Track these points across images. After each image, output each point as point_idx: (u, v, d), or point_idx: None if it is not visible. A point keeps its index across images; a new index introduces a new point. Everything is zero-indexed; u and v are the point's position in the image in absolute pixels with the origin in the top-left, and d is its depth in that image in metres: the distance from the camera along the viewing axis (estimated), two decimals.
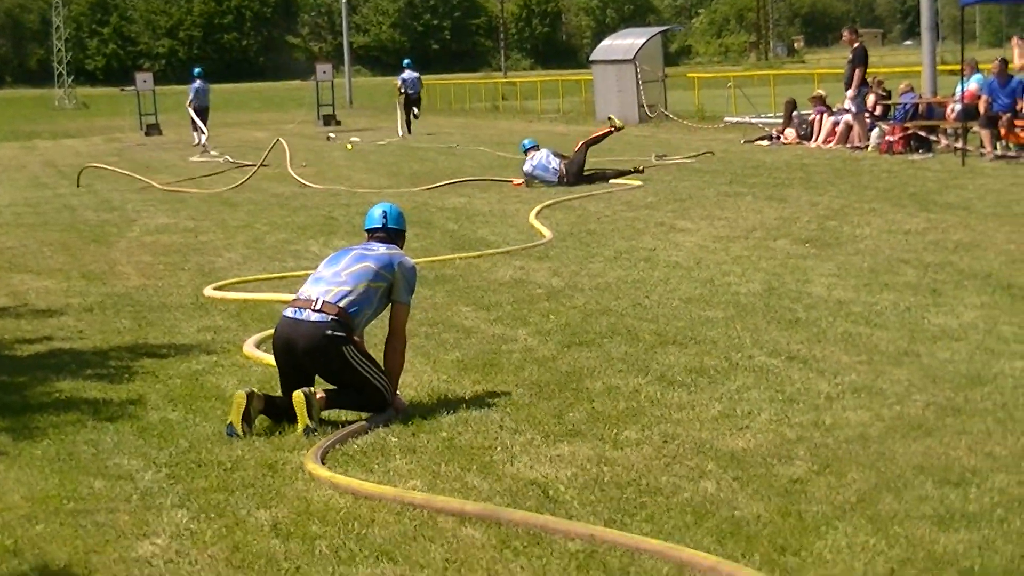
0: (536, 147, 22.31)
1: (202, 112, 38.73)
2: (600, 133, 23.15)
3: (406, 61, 44.50)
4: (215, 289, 12.56)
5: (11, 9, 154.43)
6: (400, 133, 38.96)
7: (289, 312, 7.88)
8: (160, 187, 24.05)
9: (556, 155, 22.02)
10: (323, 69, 50.64)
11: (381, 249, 8.08)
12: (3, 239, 17.54)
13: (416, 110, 41.24)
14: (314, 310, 7.72)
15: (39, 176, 28.66)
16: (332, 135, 39.87)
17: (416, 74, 41.86)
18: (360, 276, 7.87)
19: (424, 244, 15.20)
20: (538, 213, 17.59)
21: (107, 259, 15.30)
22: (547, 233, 15.61)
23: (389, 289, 7.95)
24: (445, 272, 13.20)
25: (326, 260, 8.19)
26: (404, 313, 8.02)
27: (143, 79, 48.92)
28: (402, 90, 41.18)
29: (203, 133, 36.99)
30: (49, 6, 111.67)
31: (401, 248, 8.33)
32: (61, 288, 13.23)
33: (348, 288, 7.81)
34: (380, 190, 21.80)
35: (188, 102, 39.35)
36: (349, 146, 34.26)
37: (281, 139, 26.09)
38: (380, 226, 8.30)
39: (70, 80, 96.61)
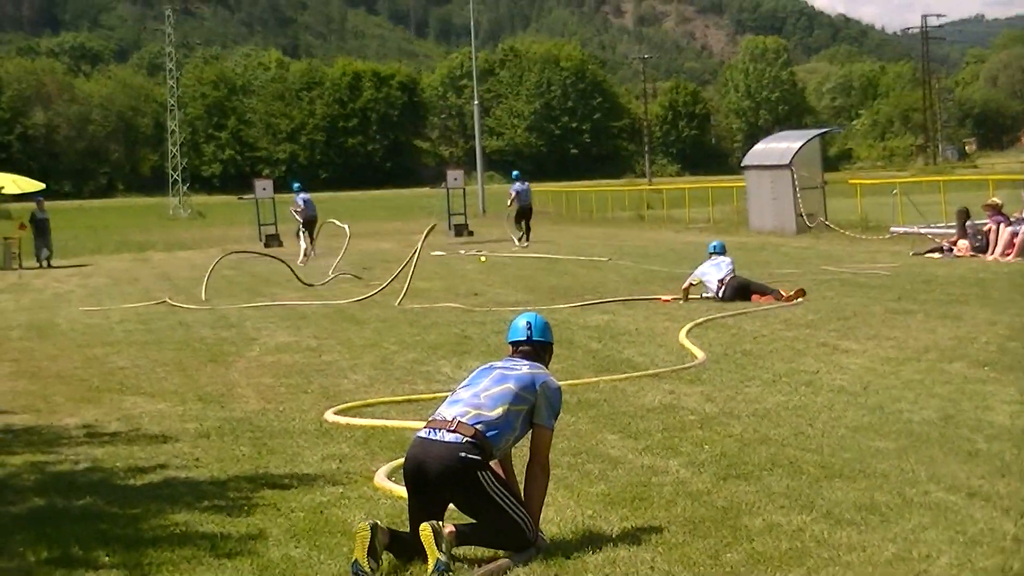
0: (722, 252, 22.72)
1: (310, 224, 39.87)
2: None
3: (515, 173, 45.59)
4: (336, 413, 12.74)
5: (124, 112, 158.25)
6: (518, 243, 39.69)
7: (422, 432, 7.93)
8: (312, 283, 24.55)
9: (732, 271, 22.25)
10: (454, 175, 51.37)
11: (524, 368, 8.12)
12: (115, 358, 17.96)
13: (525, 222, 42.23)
14: (449, 430, 7.76)
15: (152, 290, 29.34)
16: (463, 251, 40.35)
17: (527, 184, 43.00)
18: (500, 398, 7.91)
19: (566, 365, 15.19)
20: (688, 332, 17.63)
21: (225, 380, 15.58)
22: (699, 354, 15.62)
23: (531, 411, 7.97)
24: (588, 396, 13.21)
25: (465, 380, 8.27)
26: (547, 439, 8.04)
27: (262, 186, 50.03)
28: (509, 203, 42.27)
29: (311, 248, 38.16)
30: (164, 109, 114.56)
31: (548, 362, 8.40)
32: (176, 412, 13.49)
33: (487, 411, 7.85)
34: (514, 307, 21.94)
35: (297, 211, 40.39)
36: (483, 259, 34.63)
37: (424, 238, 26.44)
38: (524, 338, 8.36)
39: (185, 188, 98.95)
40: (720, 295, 21.82)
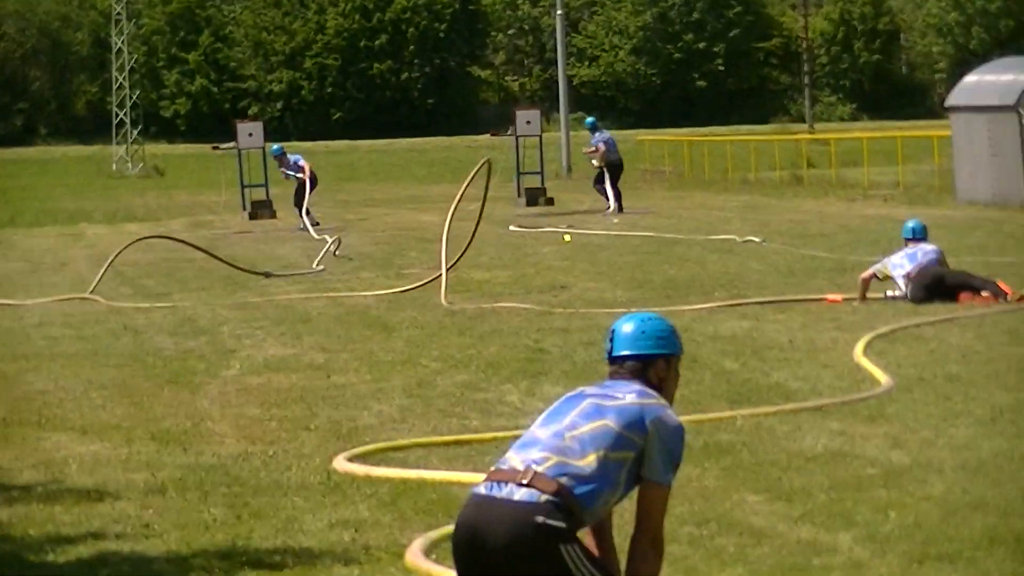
0: (923, 236, 22.72)
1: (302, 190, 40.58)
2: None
3: (590, 120, 45.71)
4: (351, 459, 12.74)
5: (48, 25, 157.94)
6: (611, 207, 39.81)
7: (481, 489, 7.73)
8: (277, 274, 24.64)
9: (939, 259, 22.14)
10: (527, 117, 50.97)
11: (629, 396, 7.89)
12: (31, 378, 18.09)
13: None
14: (520, 484, 7.58)
15: (86, 279, 29.44)
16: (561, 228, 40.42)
17: (608, 134, 43.31)
18: (594, 441, 7.70)
19: (687, 393, 14.92)
20: (868, 346, 17.55)
21: (190, 411, 15.65)
22: (883, 378, 15.53)
23: (639, 460, 7.77)
24: (720, 438, 13.21)
25: (543, 414, 8.06)
26: (660, 499, 7.85)
27: (248, 131, 49.90)
28: (596, 161, 42.40)
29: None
30: (107, 21, 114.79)
31: (668, 389, 8.17)
32: (118, 456, 13.53)
33: (575, 458, 7.66)
34: (612, 308, 21.90)
35: (300, 175, 41.00)
36: (567, 238, 34.58)
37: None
38: (631, 352, 8.12)
39: (136, 133, 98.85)
40: (909, 294, 21.67)
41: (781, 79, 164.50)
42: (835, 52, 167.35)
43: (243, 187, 47.47)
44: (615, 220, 40.43)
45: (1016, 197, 39.08)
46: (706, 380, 16.20)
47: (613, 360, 8.15)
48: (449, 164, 74.77)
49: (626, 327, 8.18)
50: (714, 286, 24.48)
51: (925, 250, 22.26)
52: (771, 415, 14.12)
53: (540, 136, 50.34)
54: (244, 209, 46.64)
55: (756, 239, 32.40)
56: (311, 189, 40.77)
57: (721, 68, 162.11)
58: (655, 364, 8.09)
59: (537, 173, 49.27)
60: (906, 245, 22.59)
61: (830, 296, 22.40)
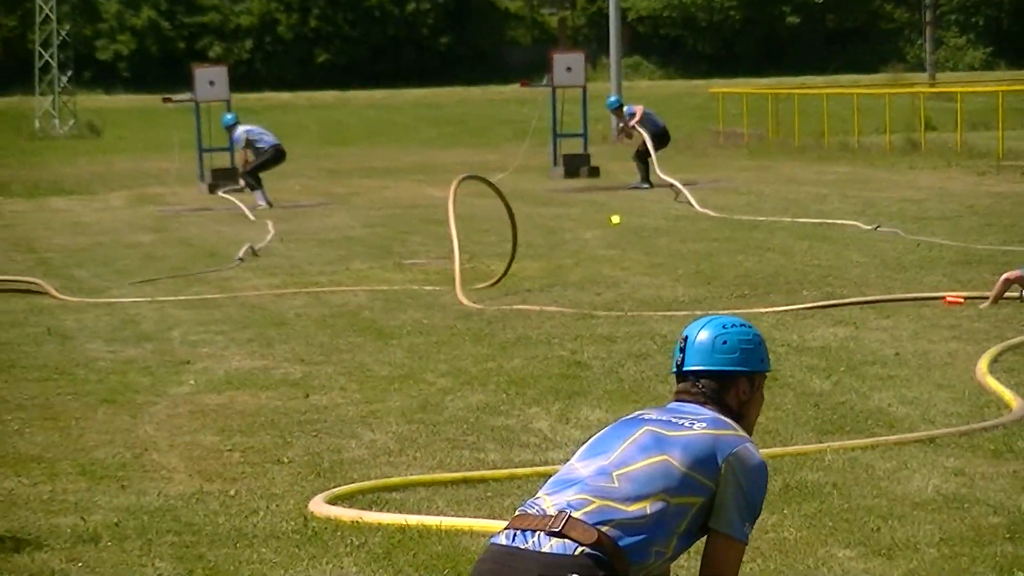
0: None
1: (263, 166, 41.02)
2: None
3: (613, 99, 46.09)
4: (333, 500, 12.83)
5: None
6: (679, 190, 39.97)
7: (501, 539, 7.69)
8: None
9: None
10: (567, 62, 50.89)
11: (699, 425, 7.82)
12: None
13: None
14: (552, 533, 7.49)
15: (1, 267, 29.50)
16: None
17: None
18: (652, 481, 7.64)
19: (764, 420, 14.72)
20: (995, 361, 17.54)
21: (130, 438, 15.73)
22: (1015, 402, 15.47)
23: (708, 507, 7.73)
24: (806, 477, 13.24)
25: (588, 443, 8.01)
26: (732, 558, 7.80)
27: (208, 79, 49.99)
28: (623, 126, 42.64)
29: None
30: None
31: (749, 415, 8.16)
32: (39, 494, 13.60)
33: (623, 502, 7.59)
34: (673, 311, 21.99)
35: (242, 152, 41.32)
36: (615, 219, 34.58)
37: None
38: (707, 368, 8.07)
39: (65, 80, 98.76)
40: None
41: (896, 15, 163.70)
42: None
43: (201, 151, 47.55)
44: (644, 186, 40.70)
45: None
46: (788, 404, 16.16)
47: (683, 376, 8.07)
48: (467, 123, 73.82)
49: (702, 334, 8.09)
50: (802, 283, 24.48)
51: None
52: (870, 449, 14.06)
53: (584, 88, 50.18)
54: (202, 179, 46.78)
55: (849, 222, 32.46)
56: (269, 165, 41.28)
57: (819, 0, 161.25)
58: (736, 383, 8.01)
59: (579, 135, 49.21)
60: None
61: (950, 296, 22.22)
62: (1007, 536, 11.41)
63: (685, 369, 7.97)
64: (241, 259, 29.10)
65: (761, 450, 12.74)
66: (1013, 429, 14.58)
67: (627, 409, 11.94)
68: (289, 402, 17.18)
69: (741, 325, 8.08)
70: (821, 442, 14.39)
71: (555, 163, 48.41)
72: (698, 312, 21.24)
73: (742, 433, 7.81)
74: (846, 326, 20.63)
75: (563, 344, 19.89)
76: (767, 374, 8.13)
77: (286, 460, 14.57)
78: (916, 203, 36.44)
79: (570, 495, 7.56)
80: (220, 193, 41.72)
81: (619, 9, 72.28)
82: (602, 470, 7.63)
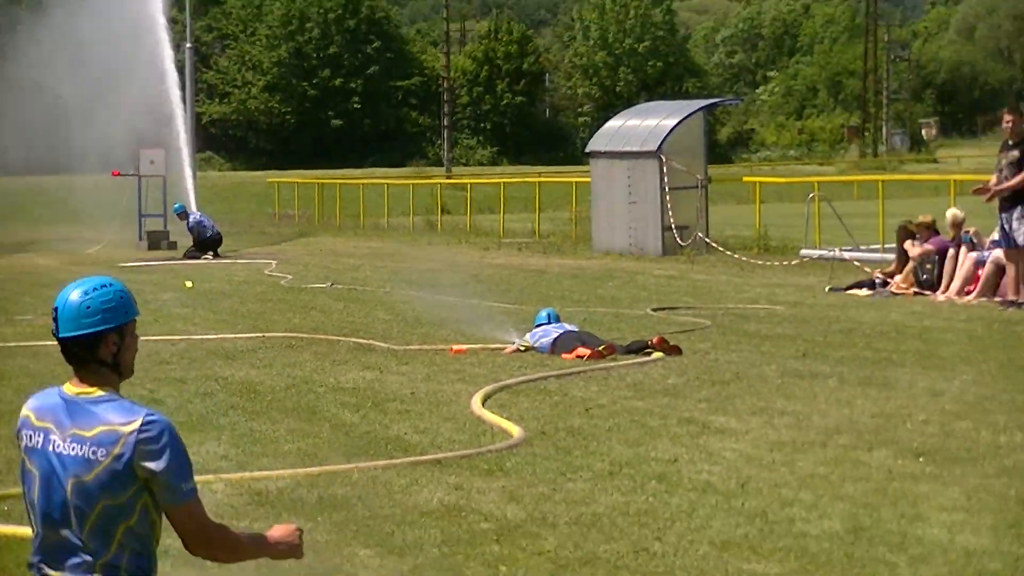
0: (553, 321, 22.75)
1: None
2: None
3: (178, 206, 48.79)
4: None
5: None
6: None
7: None
8: None
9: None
10: (151, 156, 51.04)
11: (100, 452, 6.94)
12: None
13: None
14: None
15: None
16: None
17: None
18: (109, 520, 6.90)
19: (304, 445, 15.21)
20: (489, 398, 17.63)
21: None
22: (515, 431, 15.58)
23: (146, 490, 6.92)
24: (335, 492, 13.11)
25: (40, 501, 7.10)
26: (194, 515, 6.97)
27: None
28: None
29: None
30: None
31: (127, 363, 7.34)
32: None
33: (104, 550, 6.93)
34: (231, 360, 21.74)
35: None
36: (188, 284, 34.51)
37: None
38: (73, 334, 7.21)
39: None
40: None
41: (420, 120, 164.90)
42: (477, 93, 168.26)
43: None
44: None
45: (653, 247, 39.62)
46: (324, 433, 16.03)
47: (61, 342, 7.26)
48: (68, 204, 73.16)
49: (70, 301, 7.27)
50: (338, 332, 24.58)
51: (563, 329, 22.19)
52: (389, 468, 14.03)
53: (164, 177, 50.61)
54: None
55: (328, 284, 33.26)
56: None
57: (358, 107, 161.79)
58: (105, 339, 7.23)
59: (160, 215, 49.56)
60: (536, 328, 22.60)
61: (455, 347, 22.33)
62: (495, 539, 11.46)
63: (60, 336, 7.19)
64: None
65: (301, 470, 12.71)
66: (505, 453, 14.64)
67: (196, 438, 11.71)
68: None
69: (103, 287, 7.33)
70: (349, 463, 14.24)
71: (140, 238, 49.02)
72: (259, 356, 21.23)
73: (131, 419, 6.88)
74: (372, 370, 20.58)
75: (143, 385, 19.16)
76: (135, 320, 7.36)
77: None
78: (432, 272, 36.68)
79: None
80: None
81: (196, 116, 72.17)
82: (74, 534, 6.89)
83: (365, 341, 23.24)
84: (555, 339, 21.82)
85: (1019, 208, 25.89)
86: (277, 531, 7.24)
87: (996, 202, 26.40)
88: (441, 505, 12.56)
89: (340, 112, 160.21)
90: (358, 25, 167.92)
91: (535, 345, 22.01)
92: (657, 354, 21.37)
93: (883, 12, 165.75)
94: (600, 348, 21.27)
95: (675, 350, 21.69)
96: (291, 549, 7.23)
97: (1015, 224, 25.93)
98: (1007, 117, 27.00)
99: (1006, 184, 25.83)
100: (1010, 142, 26.32)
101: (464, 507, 12.47)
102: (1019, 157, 25.86)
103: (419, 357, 21.79)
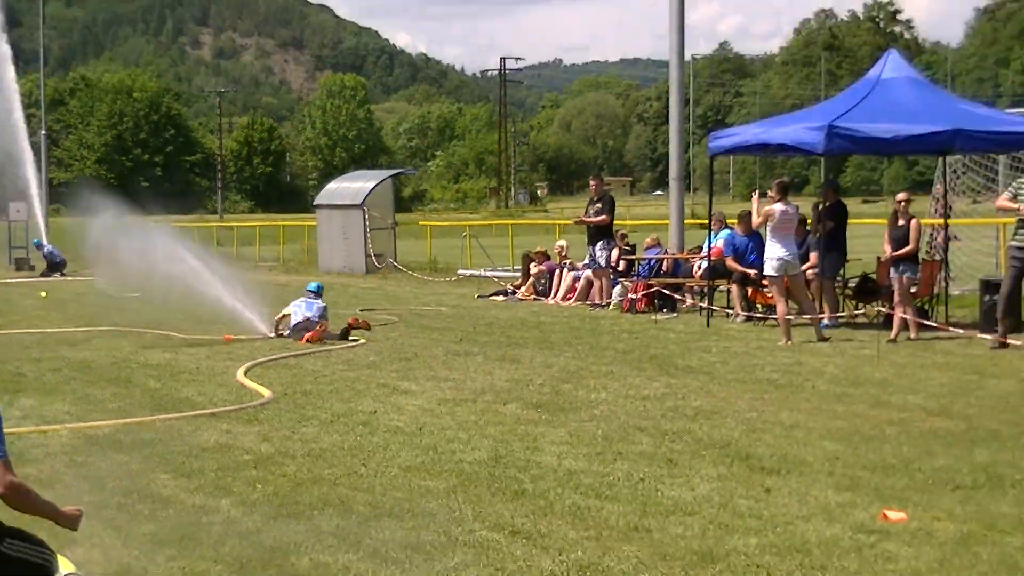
0: (318, 294, 22.78)
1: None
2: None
3: (36, 241, 48.40)
4: None
5: None
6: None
7: None
8: None
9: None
10: (16, 207, 50.38)
11: None
12: None
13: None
14: None
15: None
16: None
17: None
18: None
19: (122, 404, 14.90)
20: (248, 371, 17.48)
21: None
22: (266, 392, 15.50)
23: None
24: (143, 436, 12.88)
25: None
26: (5, 469, 6.34)
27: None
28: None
29: None
30: None
31: None
32: None
33: None
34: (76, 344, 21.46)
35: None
36: (43, 294, 33.78)
37: None
38: None
39: None
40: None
41: (202, 183, 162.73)
42: (240, 164, 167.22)
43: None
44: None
45: (359, 268, 39.79)
46: (136, 395, 15.68)
47: None
48: None
49: None
50: (146, 324, 23.80)
51: (315, 304, 22.21)
52: (180, 419, 13.85)
53: (27, 221, 50.00)
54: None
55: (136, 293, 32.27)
56: None
57: (160, 174, 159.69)
58: None
59: (23, 247, 48.80)
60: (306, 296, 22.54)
61: (227, 335, 21.92)
62: (253, 466, 11.38)
63: None
64: None
65: (120, 421, 12.67)
66: (259, 409, 14.52)
67: (49, 400, 11.70)
68: None
69: None
70: (154, 416, 14.04)
71: (10, 263, 47.89)
72: (92, 343, 20.90)
73: None
74: (170, 352, 20.09)
75: (11, 363, 18.81)
76: None
77: None
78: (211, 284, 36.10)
79: None
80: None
81: (48, 180, 70.10)
82: None
83: (165, 332, 22.49)
84: (294, 325, 21.73)
85: (601, 241, 26.70)
86: (68, 509, 6.74)
87: (586, 236, 27.22)
88: (216, 444, 12.38)
89: (148, 177, 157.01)
90: (159, 119, 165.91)
91: (287, 330, 21.89)
92: (359, 336, 21.55)
93: (511, 112, 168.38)
94: (316, 331, 21.36)
95: (365, 324, 22.15)
96: (71, 521, 6.75)
97: (598, 252, 26.78)
98: (592, 182, 27.97)
99: (591, 219, 26.70)
100: (594, 198, 27.20)
101: (232, 445, 12.32)
102: (600, 208, 26.71)
103: (202, 343, 21.26)
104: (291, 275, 39.97)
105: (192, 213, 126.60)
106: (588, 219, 27.11)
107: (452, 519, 9.46)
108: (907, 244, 20.42)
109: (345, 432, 13.05)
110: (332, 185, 44.74)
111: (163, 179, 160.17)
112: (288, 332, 21.90)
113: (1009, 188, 19.70)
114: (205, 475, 11.10)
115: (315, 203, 44.34)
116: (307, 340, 21.17)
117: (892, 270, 20.67)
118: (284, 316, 22.27)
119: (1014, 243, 19.02)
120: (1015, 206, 18.78)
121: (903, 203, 20.94)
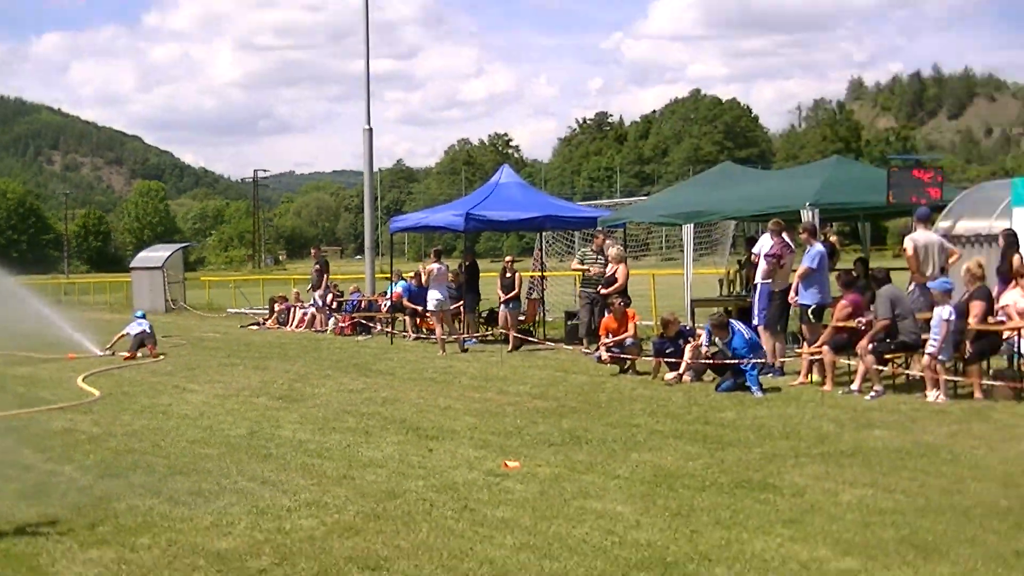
0: (143, 317, 21.25)
1: None
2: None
3: None
4: None
5: None
6: None
7: None
8: None
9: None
10: None
11: None
12: None
13: None
14: None
15: None
16: None
17: None
18: None
19: None
20: (85, 379, 16.40)
21: None
22: (96, 392, 14.61)
23: None
24: (13, 424, 12.11)
25: None
26: None
27: None
28: None
29: None
30: None
31: None
32: None
33: None
34: None
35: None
36: None
37: None
38: None
39: None
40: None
41: (55, 254, 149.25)
42: (81, 240, 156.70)
43: None
44: None
45: (161, 308, 37.42)
46: (8, 397, 14.40)
47: None
48: None
49: None
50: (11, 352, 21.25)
51: (144, 324, 20.65)
52: (39, 412, 12.86)
53: None
54: None
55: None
56: None
57: (25, 248, 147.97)
58: None
59: None
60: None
61: (71, 354, 20.25)
62: (88, 443, 10.62)
63: None
64: None
65: None
66: (92, 404, 13.62)
67: None
68: None
69: None
70: (20, 410, 13.00)
71: None
72: None
73: None
74: (30, 367, 18.48)
75: None
76: None
77: None
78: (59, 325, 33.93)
79: None
80: None
81: None
82: None
83: (25, 353, 20.47)
84: (135, 335, 20.15)
85: (320, 289, 26.07)
86: None
87: (311, 284, 26.31)
88: (63, 428, 11.62)
89: (16, 251, 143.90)
90: (25, 211, 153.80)
91: (129, 344, 20.13)
92: (162, 353, 20.40)
93: (261, 204, 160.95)
94: (149, 348, 20.23)
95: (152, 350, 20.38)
96: None
97: (318, 297, 26.12)
98: (313, 250, 27.00)
99: (314, 275, 26.00)
100: (315, 262, 26.12)
101: (74, 429, 11.58)
102: (319, 268, 25.85)
103: (55, 361, 19.65)
104: (114, 314, 37.86)
105: (47, 274, 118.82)
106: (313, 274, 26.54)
107: (223, 474, 9.08)
108: (514, 289, 20.80)
109: (150, 418, 12.39)
110: (142, 254, 42.74)
111: (27, 251, 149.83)
112: (131, 342, 20.19)
113: (578, 254, 20.34)
114: (54, 449, 10.42)
115: (131, 266, 42.19)
116: (129, 357, 19.66)
117: (503, 307, 20.90)
118: (123, 335, 20.62)
119: (584, 289, 19.45)
120: (583, 268, 19.33)
121: (510, 262, 21.46)
